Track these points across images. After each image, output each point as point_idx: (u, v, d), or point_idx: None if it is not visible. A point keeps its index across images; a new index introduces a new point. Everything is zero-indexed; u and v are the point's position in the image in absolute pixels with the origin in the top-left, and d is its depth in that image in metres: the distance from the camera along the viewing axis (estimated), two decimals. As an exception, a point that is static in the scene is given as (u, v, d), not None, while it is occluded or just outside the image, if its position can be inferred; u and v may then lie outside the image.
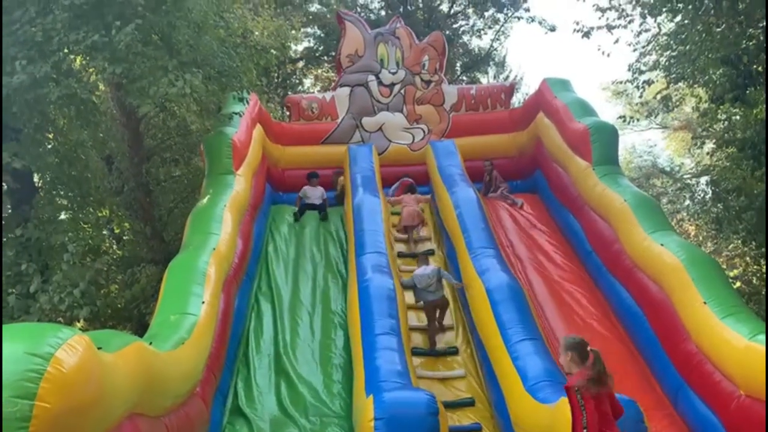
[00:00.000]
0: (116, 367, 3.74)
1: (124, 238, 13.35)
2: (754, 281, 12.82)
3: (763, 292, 12.37)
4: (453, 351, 7.91)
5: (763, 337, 5.70)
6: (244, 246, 8.95)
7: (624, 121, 12.69)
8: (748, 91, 9.17)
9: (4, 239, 8.37)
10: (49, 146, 9.05)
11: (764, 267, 12.60)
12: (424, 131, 13.03)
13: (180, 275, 7.06)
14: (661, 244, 7.55)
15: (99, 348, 3.56)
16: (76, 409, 3.18)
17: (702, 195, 15.43)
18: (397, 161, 12.44)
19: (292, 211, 10.99)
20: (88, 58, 8.35)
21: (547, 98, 11.48)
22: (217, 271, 7.39)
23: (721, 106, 10.35)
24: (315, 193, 11.24)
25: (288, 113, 13.74)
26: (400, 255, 9.77)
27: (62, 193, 9.30)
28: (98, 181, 9.88)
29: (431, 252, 9.92)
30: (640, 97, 12.60)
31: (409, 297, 8.40)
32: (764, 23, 8.94)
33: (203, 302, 6.65)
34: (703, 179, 16.69)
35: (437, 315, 8.20)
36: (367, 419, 4.89)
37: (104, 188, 10.47)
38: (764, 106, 9.20)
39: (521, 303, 7.44)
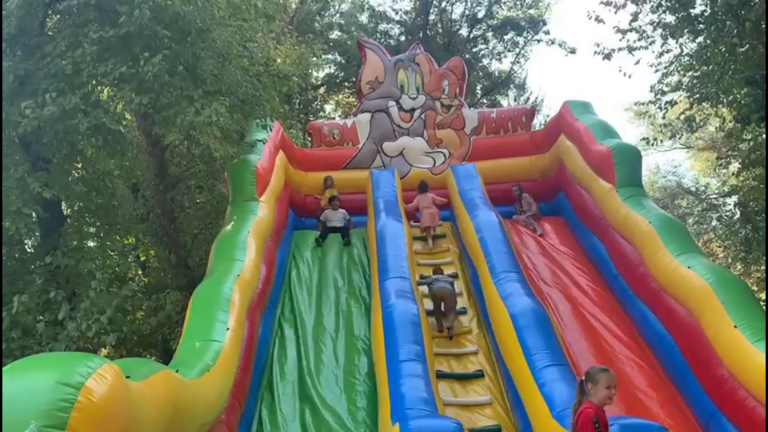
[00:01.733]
0: (144, 396, 3.76)
1: (149, 265, 13.50)
2: (786, 303, 12.54)
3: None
4: (479, 374, 7.83)
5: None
6: (267, 272, 9.00)
7: (647, 143, 12.61)
8: (773, 111, 9.05)
9: (34, 267, 8.53)
10: (77, 175, 9.25)
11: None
12: (445, 155, 13.08)
13: (205, 302, 7.12)
14: (688, 267, 7.43)
15: (127, 377, 3.59)
16: (106, 439, 3.21)
17: (729, 216, 15.18)
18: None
19: (315, 236, 11.04)
20: (115, 89, 8.56)
21: (569, 121, 11.46)
22: (241, 297, 7.43)
23: (747, 127, 10.24)
24: (336, 216, 11.32)
25: (309, 139, 13.89)
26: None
27: (90, 221, 9.46)
28: (125, 208, 10.05)
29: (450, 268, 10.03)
30: (663, 118, 12.50)
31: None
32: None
33: (228, 329, 6.68)
34: (730, 200, 16.45)
35: (442, 305, 8.61)
36: (393, 447, 4.86)
37: (130, 216, 10.63)
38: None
39: (546, 328, 7.34)
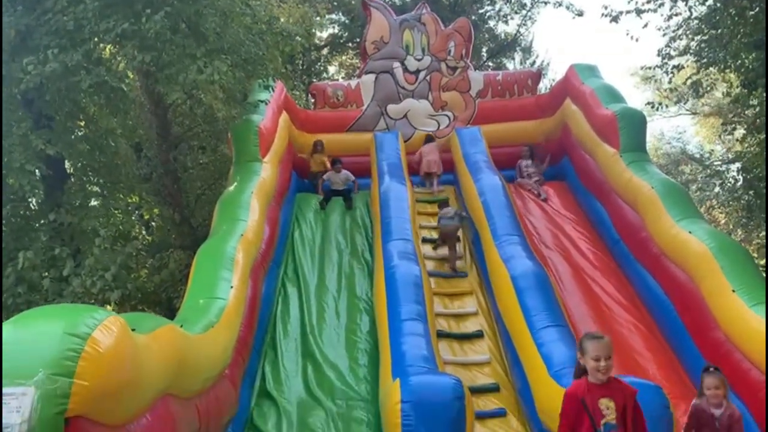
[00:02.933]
0: (149, 349, 3.84)
1: (153, 224, 13.57)
2: (786, 270, 12.61)
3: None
4: (479, 334, 7.95)
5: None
6: (270, 232, 9.06)
7: (652, 107, 12.51)
8: (781, 76, 8.98)
9: (39, 224, 8.59)
10: (80, 133, 9.24)
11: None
12: (449, 118, 12.99)
13: (209, 261, 7.18)
14: (689, 232, 7.46)
15: (133, 329, 3.66)
16: (113, 388, 3.28)
17: (732, 182, 15.15)
18: (422, 148, 12.40)
19: (317, 199, 11.04)
20: (117, 46, 8.49)
21: (575, 84, 11.36)
22: (244, 256, 7.50)
23: (753, 92, 10.15)
24: (339, 178, 11.30)
25: (313, 100, 13.80)
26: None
27: (93, 179, 9.49)
28: (128, 167, 10.06)
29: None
30: (669, 82, 12.40)
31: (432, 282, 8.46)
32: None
33: (231, 287, 6.76)
34: (734, 166, 16.40)
35: (454, 242, 9.27)
36: (394, 402, 4.95)
37: (133, 175, 10.65)
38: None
39: (546, 290, 7.42)
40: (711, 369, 5.00)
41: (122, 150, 9.96)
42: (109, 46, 9.04)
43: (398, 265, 7.86)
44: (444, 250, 9.47)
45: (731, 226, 16.56)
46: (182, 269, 10.63)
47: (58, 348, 3.05)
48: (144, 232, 12.98)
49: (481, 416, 6.58)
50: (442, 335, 7.78)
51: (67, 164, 9.38)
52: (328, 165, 11.80)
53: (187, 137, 13.54)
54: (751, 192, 11.66)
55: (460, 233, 9.65)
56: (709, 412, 4.89)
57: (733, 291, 6.46)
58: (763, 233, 13.98)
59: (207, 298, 6.50)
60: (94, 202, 9.46)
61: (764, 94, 10.17)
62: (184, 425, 4.49)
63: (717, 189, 17.12)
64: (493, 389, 7.12)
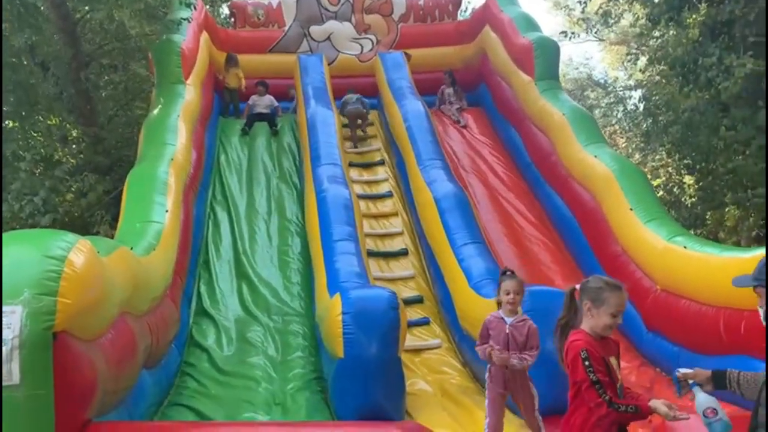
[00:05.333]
0: (111, 269, 4.07)
1: (70, 146, 13.03)
2: (675, 190, 13.94)
3: (683, 199, 13.51)
4: (404, 252, 8.52)
5: (679, 239, 6.50)
6: (198, 156, 9.10)
7: (565, 36, 13.10)
8: (682, 12, 9.69)
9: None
10: (-10, 51, 8.72)
11: (685, 177, 13.68)
12: (372, 42, 13.07)
13: (141, 185, 7.26)
14: (595, 156, 8.21)
15: (97, 252, 3.87)
16: (89, 305, 3.54)
17: (634, 108, 16.24)
18: (345, 72, 12.48)
19: (240, 125, 10.92)
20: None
21: (494, 12, 11.69)
22: (176, 180, 7.62)
23: (657, 26, 10.87)
24: (263, 102, 11.22)
25: (232, 19, 13.44)
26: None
27: (11, 100, 9.06)
28: (44, 87, 9.61)
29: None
30: (582, 12, 12.98)
31: (363, 205, 8.91)
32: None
33: (167, 211, 6.91)
34: (635, 93, 17.50)
35: (358, 123, 10.78)
36: (335, 314, 5.41)
37: (48, 94, 10.18)
38: (697, 29, 9.75)
39: (466, 210, 8.02)
40: (508, 272, 4.59)
41: (36, 69, 9.47)
42: (16, -44, 8.46)
43: (328, 188, 8.19)
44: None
45: (630, 150, 17.85)
46: (100, 194, 10.41)
47: (39, 270, 3.25)
48: (68, 156, 12.45)
49: (408, 325, 7.17)
50: (371, 254, 8.28)
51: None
52: (243, 80, 11.65)
53: (97, 55, 12.90)
54: (649, 119, 12.64)
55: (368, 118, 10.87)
56: (499, 318, 4.53)
57: (631, 209, 7.27)
58: (658, 156, 15.26)
59: (143, 222, 6.64)
60: (11, 125, 9.08)
61: (667, 30, 10.93)
62: (141, 339, 4.79)
63: (619, 115, 18.26)
64: (418, 301, 7.78)
